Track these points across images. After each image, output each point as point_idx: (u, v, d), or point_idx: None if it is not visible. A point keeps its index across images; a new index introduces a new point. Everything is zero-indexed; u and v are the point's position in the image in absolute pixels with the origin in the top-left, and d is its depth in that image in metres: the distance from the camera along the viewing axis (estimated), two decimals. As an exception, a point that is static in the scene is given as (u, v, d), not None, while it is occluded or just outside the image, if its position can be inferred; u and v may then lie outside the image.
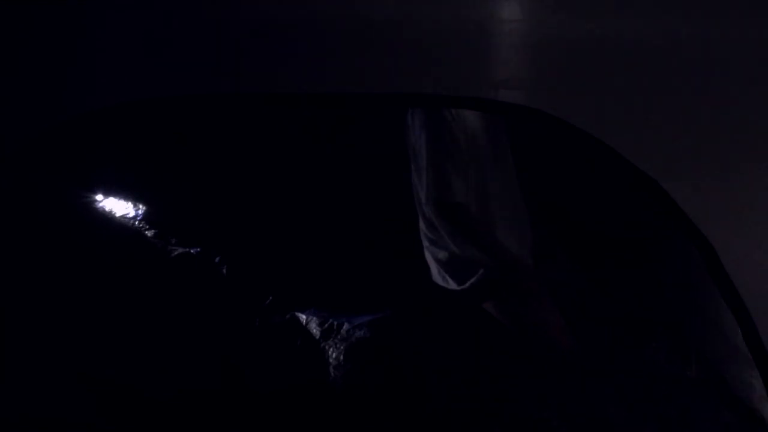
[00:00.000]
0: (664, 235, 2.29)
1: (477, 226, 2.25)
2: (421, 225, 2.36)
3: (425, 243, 2.38)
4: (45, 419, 1.95)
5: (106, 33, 1.61)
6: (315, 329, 2.22)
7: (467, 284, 2.28)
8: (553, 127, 1.43)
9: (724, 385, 2.06)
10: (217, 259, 2.34)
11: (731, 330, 1.94)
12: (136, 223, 2.41)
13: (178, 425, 2.01)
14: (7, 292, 2.05)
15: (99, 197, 2.44)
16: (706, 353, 2.17)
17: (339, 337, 2.19)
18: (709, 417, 2.03)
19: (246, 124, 2.67)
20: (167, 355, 2.09)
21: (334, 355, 2.15)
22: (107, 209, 2.43)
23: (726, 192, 1.42)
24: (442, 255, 2.32)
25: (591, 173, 2.32)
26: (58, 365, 2.03)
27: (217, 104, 2.15)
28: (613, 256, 2.52)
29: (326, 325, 2.23)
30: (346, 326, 2.21)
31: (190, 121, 2.55)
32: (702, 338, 2.17)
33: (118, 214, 2.42)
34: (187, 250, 2.33)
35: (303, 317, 2.25)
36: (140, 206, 2.45)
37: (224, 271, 2.32)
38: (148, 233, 2.38)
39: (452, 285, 2.32)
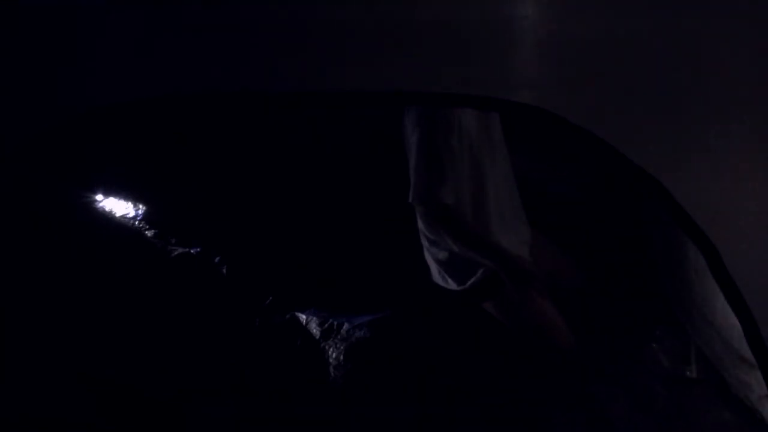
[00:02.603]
0: (664, 235, 2.29)
1: (470, 227, 2.24)
2: (420, 225, 2.37)
3: (425, 243, 2.38)
4: (45, 419, 1.95)
5: (105, 31, 1.61)
6: (315, 329, 2.22)
7: (467, 284, 2.28)
8: (554, 125, 1.43)
9: (724, 385, 2.07)
10: (217, 259, 2.34)
11: (730, 330, 1.94)
12: (136, 223, 2.41)
13: (178, 425, 2.00)
14: (7, 292, 2.05)
15: (99, 197, 2.44)
16: (706, 353, 2.17)
17: (339, 337, 2.19)
18: (709, 417, 2.04)
19: (246, 123, 2.67)
20: (167, 355, 2.09)
21: (334, 355, 2.15)
22: (107, 209, 2.43)
23: (728, 192, 1.42)
24: (442, 255, 2.32)
25: (592, 172, 2.32)
26: (58, 365, 2.03)
27: (216, 103, 2.14)
28: (613, 256, 2.52)
29: (326, 325, 2.22)
30: (346, 326, 2.21)
31: (190, 121, 2.55)
32: (702, 338, 2.17)
33: (118, 214, 2.42)
34: (187, 250, 2.33)
35: (303, 317, 2.25)
36: (140, 206, 2.45)
37: (224, 271, 2.32)
38: (148, 233, 2.38)
39: (452, 285, 2.33)
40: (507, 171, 2.33)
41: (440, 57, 1.45)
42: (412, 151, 2.21)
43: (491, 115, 2.25)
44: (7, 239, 2.09)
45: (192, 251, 2.34)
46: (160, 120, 2.46)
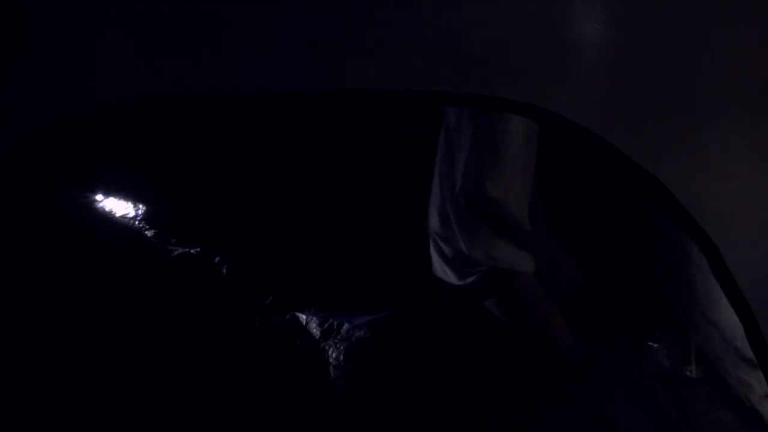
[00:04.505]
0: (665, 234, 2.29)
1: (509, 222, 2.25)
2: (432, 220, 2.35)
3: (433, 237, 2.36)
4: (44, 420, 1.95)
5: (104, 29, 1.61)
6: (315, 329, 2.22)
7: (468, 281, 2.28)
8: (557, 125, 1.43)
9: (724, 385, 2.07)
10: (217, 259, 2.34)
11: (731, 330, 1.94)
12: (136, 223, 2.41)
13: (177, 425, 2.00)
14: (6, 293, 2.05)
15: (99, 197, 2.44)
16: (706, 353, 2.17)
17: (339, 337, 2.19)
18: (709, 417, 2.04)
19: (246, 122, 2.66)
20: (167, 356, 2.09)
21: (334, 355, 2.16)
22: (107, 209, 2.43)
23: (730, 192, 1.42)
24: (449, 251, 2.31)
25: (594, 172, 2.32)
26: (57, 365, 2.03)
27: (216, 101, 2.14)
28: (613, 256, 2.52)
29: (326, 325, 2.23)
30: (346, 326, 2.21)
31: (190, 120, 2.55)
32: (702, 338, 2.17)
33: (118, 214, 2.42)
34: (187, 250, 2.33)
35: (303, 317, 2.25)
36: (140, 206, 2.45)
37: (224, 271, 2.32)
38: (148, 233, 2.38)
39: (452, 279, 2.31)
40: (532, 177, 2.35)
41: (442, 56, 1.46)
42: (464, 146, 2.22)
43: (532, 123, 2.27)
44: (6, 239, 2.09)
45: (192, 251, 2.34)
46: (160, 118, 2.46)
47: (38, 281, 2.11)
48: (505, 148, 2.19)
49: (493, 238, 2.24)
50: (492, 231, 2.24)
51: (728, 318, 1.87)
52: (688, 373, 2.24)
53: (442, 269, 2.34)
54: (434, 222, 2.34)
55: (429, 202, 2.36)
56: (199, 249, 2.34)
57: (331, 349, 2.17)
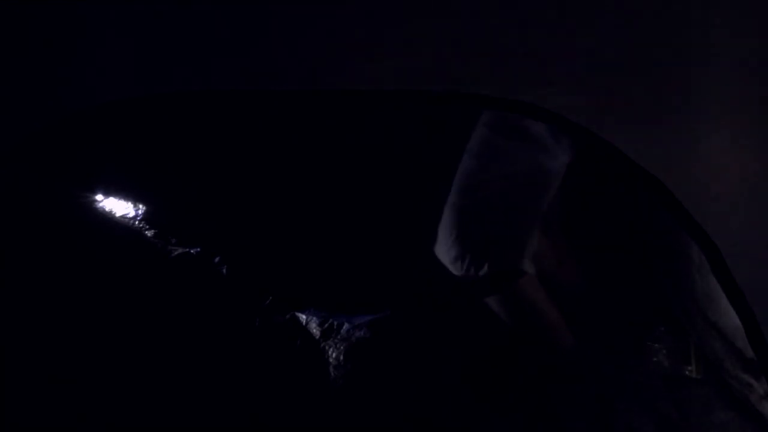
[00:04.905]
0: (665, 235, 2.29)
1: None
2: (447, 210, 2.33)
3: (446, 223, 2.34)
4: (45, 420, 1.95)
5: (104, 30, 1.61)
6: (315, 329, 2.22)
7: (470, 275, 2.27)
8: (557, 125, 1.43)
9: (724, 385, 2.07)
10: (217, 259, 2.34)
11: (731, 330, 1.94)
12: (136, 223, 2.41)
13: (177, 425, 2.00)
14: (6, 293, 2.05)
15: (99, 197, 2.44)
16: (706, 353, 2.17)
17: (339, 337, 2.19)
18: (709, 417, 2.04)
19: (246, 122, 2.66)
20: (167, 356, 2.09)
21: (334, 355, 2.16)
22: (107, 209, 2.42)
23: (730, 192, 1.42)
24: (458, 243, 2.30)
25: (594, 171, 2.32)
26: (57, 365, 2.03)
27: (216, 101, 2.15)
28: (613, 257, 2.52)
29: (326, 325, 2.23)
30: (346, 326, 2.21)
31: (190, 120, 2.55)
32: (702, 338, 2.17)
33: (118, 214, 2.42)
34: (187, 250, 2.33)
35: (303, 317, 2.25)
36: (140, 206, 2.45)
37: (224, 271, 2.32)
38: (148, 233, 2.38)
39: (456, 268, 2.30)
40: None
41: (442, 56, 1.46)
42: (509, 148, 2.24)
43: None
44: (6, 239, 2.09)
45: (192, 251, 2.34)
46: (160, 118, 2.45)
47: (38, 281, 2.11)
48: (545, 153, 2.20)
49: (499, 237, 2.24)
50: (500, 232, 2.24)
51: (728, 318, 1.88)
52: (688, 373, 2.24)
53: (448, 255, 2.32)
54: (450, 213, 2.32)
55: (448, 193, 2.34)
56: (199, 249, 2.34)
57: (331, 349, 2.17)
